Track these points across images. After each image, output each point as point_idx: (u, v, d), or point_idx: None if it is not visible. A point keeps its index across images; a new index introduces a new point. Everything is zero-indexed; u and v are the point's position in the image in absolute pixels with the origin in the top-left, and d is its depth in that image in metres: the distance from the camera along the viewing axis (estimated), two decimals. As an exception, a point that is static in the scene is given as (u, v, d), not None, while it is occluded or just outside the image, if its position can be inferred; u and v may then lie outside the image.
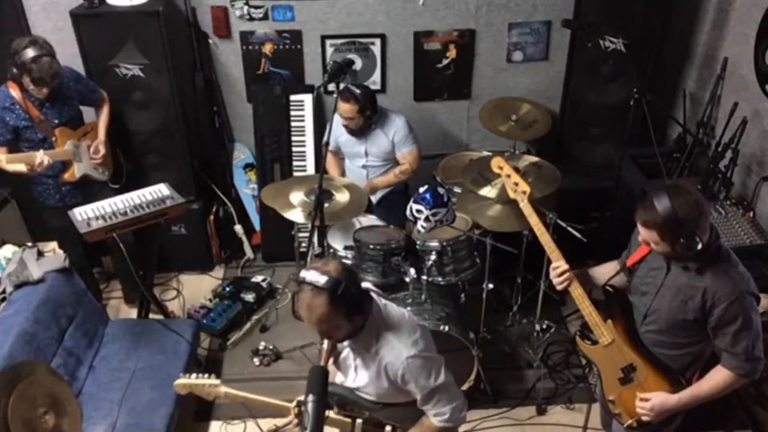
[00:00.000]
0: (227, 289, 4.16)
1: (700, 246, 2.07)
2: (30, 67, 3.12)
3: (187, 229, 4.26)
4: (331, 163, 4.02)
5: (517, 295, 3.92)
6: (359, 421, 2.30)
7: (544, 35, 4.22)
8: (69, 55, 3.67)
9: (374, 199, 3.98)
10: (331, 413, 2.30)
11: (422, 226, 3.16)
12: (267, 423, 3.37)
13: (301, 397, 2.24)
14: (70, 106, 3.46)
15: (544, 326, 3.87)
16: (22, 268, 3.18)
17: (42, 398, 2.65)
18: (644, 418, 2.36)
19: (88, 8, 3.67)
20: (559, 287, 2.44)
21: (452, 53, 4.25)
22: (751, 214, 3.28)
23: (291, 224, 4.02)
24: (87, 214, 3.15)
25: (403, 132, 3.80)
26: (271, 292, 4.22)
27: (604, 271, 2.48)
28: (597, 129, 4.17)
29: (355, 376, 2.27)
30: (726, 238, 3.09)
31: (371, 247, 3.34)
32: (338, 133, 3.85)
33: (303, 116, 4.23)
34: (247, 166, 4.53)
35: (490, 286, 3.46)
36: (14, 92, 3.29)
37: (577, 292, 2.40)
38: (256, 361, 3.74)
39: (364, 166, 3.92)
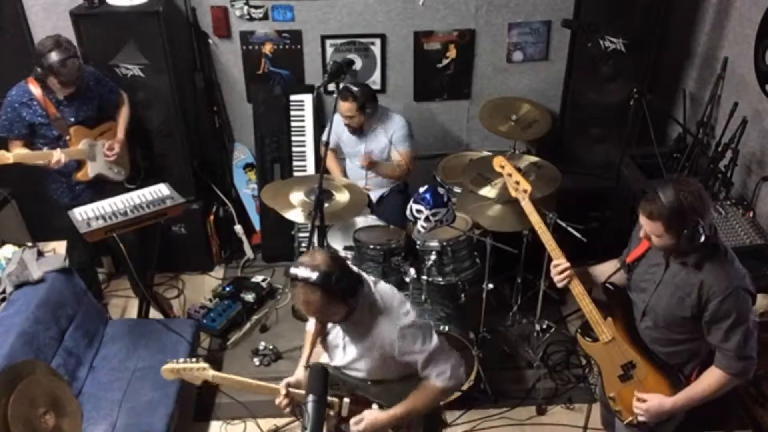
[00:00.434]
0: (227, 289, 4.16)
1: (703, 238, 2.08)
2: (58, 71, 3.15)
3: (187, 229, 4.26)
4: (331, 162, 4.02)
5: (517, 295, 3.92)
6: (346, 400, 2.32)
7: (544, 35, 4.22)
8: (69, 55, 3.67)
9: (374, 197, 3.98)
10: None
11: (422, 226, 3.16)
12: (267, 423, 3.38)
13: (290, 379, 2.33)
14: (87, 106, 3.46)
15: (544, 326, 3.87)
16: (22, 268, 3.18)
17: (42, 398, 2.65)
18: (640, 418, 2.36)
19: (88, 8, 3.67)
20: (559, 285, 2.44)
21: (452, 53, 4.25)
22: (751, 214, 3.28)
23: (291, 224, 4.03)
24: (87, 214, 3.15)
25: (401, 131, 3.80)
26: (271, 292, 4.22)
27: (605, 269, 2.49)
28: (597, 129, 4.17)
29: (343, 354, 2.30)
30: (726, 238, 3.10)
31: (371, 247, 3.34)
32: (339, 132, 3.85)
33: (303, 116, 4.23)
34: (247, 166, 4.53)
35: (490, 286, 3.46)
36: (34, 88, 3.30)
37: (577, 289, 2.41)
38: (256, 361, 3.74)
39: (363, 166, 3.92)
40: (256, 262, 4.55)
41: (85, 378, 3.12)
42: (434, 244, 3.32)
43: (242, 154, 4.52)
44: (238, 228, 4.49)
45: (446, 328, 3.16)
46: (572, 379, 3.62)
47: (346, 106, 3.65)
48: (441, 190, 3.19)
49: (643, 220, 2.17)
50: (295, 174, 4.24)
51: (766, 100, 3.39)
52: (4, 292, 3.13)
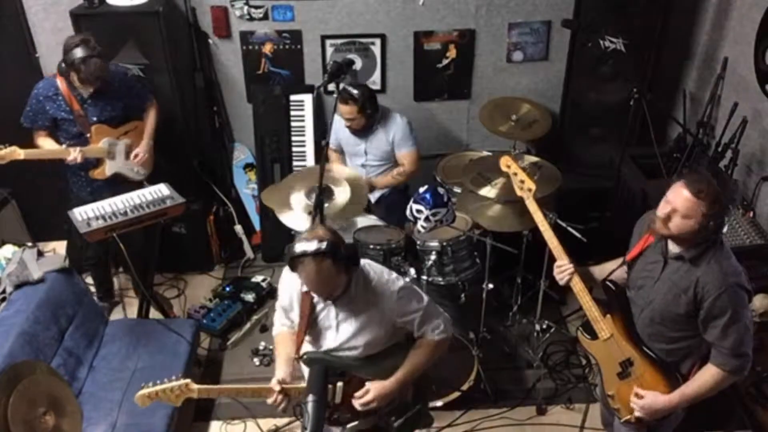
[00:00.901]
0: (227, 289, 4.16)
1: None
2: (78, 67, 3.18)
3: (187, 229, 4.26)
4: (335, 161, 4.02)
5: (517, 295, 3.92)
6: (339, 384, 2.34)
7: (544, 35, 4.22)
8: (69, 55, 3.67)
9: (373, 198, 3.97)
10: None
11: (422, 226, 3.16)
12: (267, 423, 3.38)
13: (278, 376, 2.32)
14: (112, 107, 3.46)
15: (544, 326, 3.87)
16: (22, 268, 3.18)
17: (42, 398, 2.65)
18: (636, 414, 2.37)
19: (88, 8, 3.68)
20: (561, 282, 2.45)
21: (452, 53, 4.25)
22: (751, 214, 3.29)
23: (291, 224, 4.03)
24: (87, 214, 3.15)
25: (402, 132, 3.80)
26: (271, 292, 4.21)
27: (609, 267, 2.50)
28: (597, 129, 4.17)
29: (335, 334, 2.32)
30: (726, 238, 3.09)
31: (371, 247, 3.34)
32: (340, 132, 3.85)
33: (303, 116, 4.23)
34: (247, 166, 4.53)
35: (490, 286, 3.46)
36: (60, 83, 3.34)
37: (578, 286, 2.41)
38: (256, 361, 3.74)
39: (363, 165, 3.92)
40: (256, 262, 4.55)
41: (85, 378, 3.12)
42: (434, 244, 3.32)
43: (242, 154, 4.52)
44: (238, 228, 4.49)
45: (446, 328, 3.16)
46: (572, 379, 3.62)
47: (346, 109, 3.65)
48: (441, 190, 3.19)
49: (681, 197, 2.09)
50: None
51: (766, 100, 3.39)
52: (4, 292, 3.13)
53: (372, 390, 2.31)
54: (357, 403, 2.33)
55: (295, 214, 3.35)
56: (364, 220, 3.71)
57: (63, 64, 3.27)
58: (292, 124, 4.23)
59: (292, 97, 4.22)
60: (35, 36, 3.97)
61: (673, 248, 2.24)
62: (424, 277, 3.32)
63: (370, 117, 3.72)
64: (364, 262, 2.33)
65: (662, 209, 2.16)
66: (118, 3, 3.70)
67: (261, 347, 3.75)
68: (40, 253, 3.34)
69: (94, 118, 3.42)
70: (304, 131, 4.24)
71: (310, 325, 2.32)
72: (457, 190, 3.75)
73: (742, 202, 3.42)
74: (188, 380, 2.29)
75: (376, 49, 4.20)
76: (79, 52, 3.16)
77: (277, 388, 2.30)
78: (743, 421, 2.91)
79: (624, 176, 3.79)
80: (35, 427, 2.58)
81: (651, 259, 2.33)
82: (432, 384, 2.65)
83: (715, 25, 3.89)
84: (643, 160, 3.80)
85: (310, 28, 4.13)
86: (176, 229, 4.23)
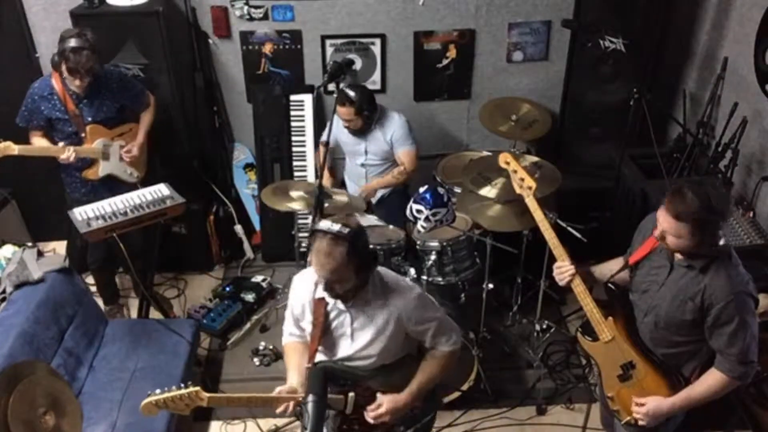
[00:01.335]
0: (227, 289, 4.16)
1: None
2: (68, 56, 3.16)
3: (187, 229, 4.26)
4: (322, 155, 4.01)
5: (517, 295, 3.92)
6: (351, 395, 2.31)
7: (544, 35, 4.22)
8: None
9: (373, 199, 3.97)
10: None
11: (422, 226, 3.16)
12: (267, 423, 3.38)
13: (293, 385, 2.27)
14: (108, 107, 3.45)
15: (544, 326, 3.87)
16: (22, 268, 3.18)
17: (42, 398, 2.65)
18: (640, 423, 2.36)
19: (88, 8, 3.68)
20: (561, 283, 2.44)
21: (452, 53, 4.25)
22: (751, 214, 3.29)
23: (291, 224, 4.03)
24: (87, 214, 3.15)
25: (401, 131, 3.79)
26: (271, 292, 4.22)
27: (609, 267, 2.49)
28: (597, 129, 4.17)
29: (350, 342, 2.28)
30: (726, 238, 3.09)
31: (371, 247, 3.33)
32: (340, 132, 3.85)
33: (303, 116, 4.23)
34: (247, 166, 4.53)
35: (490, 286, 3.46)
36: (55, 83, 3.32)
37: (579, 288, 2.40)
38: (256, 361, 3.74)
39: (363, 165, 3.92)
40: (256, 262, 4.55)
41: (85, 378, 3.12)
42: (434, 244, 3.32)
43: (242, 154, 4.52)
44: (238, 228, 4.49)
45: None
46: (572, 379, 3.62)
47: (343, 111, 3.64)
48: (441, 190, 3.19)
49: (666, 219, 2.10)
50: (296, 174, 4.25)
51: (766, 100, 3.39)
52: (4, 292, 3.13)
53: (385, 403, 2.27)
54: (369, 416, 2.29)
55: (297, 203, 3.37)
56: (364, 220, 3.71)
57: (56, 57, 3.24)
58: (292, 124, 4.23)
59: (292, 97, 4.22)
60: (35, 36, 3.97)
61: (680, 256, 2.22)
62: (424, 277, 3.32)
63: (368, 118, 3.72)
64: (381, 268, 2.30)
65: (657, 228, 2.17)
66: (118, 3, 3.70)
67: (261, 347, 3.75)
68: (40, 253, 3.34)
69: (90, 118, 3.40)
70: (304, 131, 4.24)
71: (323, 333, 2.27)
72: (457, 190, 3.75)
73: (741, 202, 3.43)
74: (198, 388, 2.15)
75: (376, 49, 4.20)
76: (72, 42, 3.15)
77: (287, 401, 2.21)
78: (743, 421, 2.91)
79: (624, 176, 3.79)
80: (35, 427, 2.58)
81: (657, 263, 2.31)
82: (440, 394, 2.62)
83: (715, 25, 3.89)
84: (643, 160, 3.80)
85: (310, 28, 4.13)
86: (176, 229, 4.23)
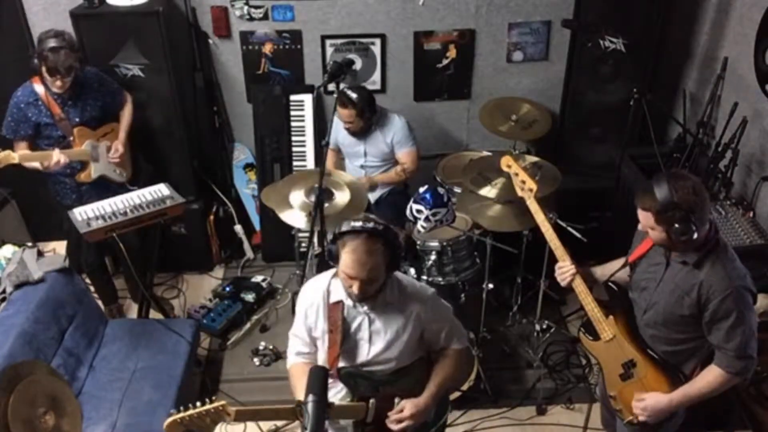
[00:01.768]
0: (227, 289, 4.16)
1: (695, 235, 2.07)
2: (46, 55, 3.14)
3: (187, 229, 4.26)
4: (332, 161, 4.02)
5: (517, 295, 3.93)
6: (372, 401, 2.26)
7: (544, 35, 4.22)
8: (69, 55, 3.67)
9: (373, 198, 3.98)
10: (344, 402, 2.26)
11: (422, 226, 3.16)
12: (267, 423, 3.37)
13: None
14: (92, 107, 3.45)
15: (544, 326, 3.87)
16: (22, 268, 3.18)
17: (42, 398, 2.65)
18: (640, 418, 2.36)
19: (88, 8, 3.67)
20: (563, 284, 2.45)
21: (452, 53, 4.25)
22: (751, 214, 3.29)
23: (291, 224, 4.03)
24: (87, 214, 3.15)
25: (402, 133, 3.80)
26: (271, 292, 4.22)
27: (611, 268, 2.49)
28: (597, 129, 4.17)
29: (369, 346, 2.24)
30: (726, 238, 3.08)
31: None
32: (339, 132, 3.85)
33: (303, 116, 4.24)
34: (247, 166, 4.53)
35: (490, 286, 3.46)
36: (38, 88, 3.31)
37: (580, 288, 2.41)
38: (256, 361, 3.74)
39: (362, 166, 3.92)
40: (256, 262, 4.55)
41: (85, 378, 3.12)
42: (434, 244, 3.32)
43: (242, 154, 4.52)
44: (238, 228, 4.49)
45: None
46: (572, 379, 3.62)
47: (344, 112, 3.65)
48: (441, 190, 3.19)
49: (638, 212, 2.19)
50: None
51: (766, 100, 3.39)
52: (4, 292, 3.13)
53: (408, 407, 2.23)
54: (393, 421, 2.24)
55: (295, 212, 3.35)
56: (364, 220, 3.70)
57: (35, 60, 3.21)
58: (292, 124, 4.23)
59: (292, 97, 4.22)
60: (35, 36, 3.95)
61: (675, 252, 2.24)
62: (424, 277, 3.33)
63: (368, 120, 3.73)
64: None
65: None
66: (118, 3, 3.70)
67: (261, 347, 3.75)
68: (40, 253, 3.34)
69: (77, 119, 3.40)
70: (304, 131, 4.24)
71: (344, 338, 2.22)
72: (457, 190, 3.76)
73: (741, 202, 3.43)
74: (224, 402, 1.96)
75: (376, 49, 4.20)
76: (50, 42, 3.14)
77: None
78: (743, 421, 2.91)
79: (624, 176, 3.79)
80: (35, 427, 2.58)
81: (654, 260, 2.32)
82: (449, 398, 2.60)
83: (715, 25, 3.89)
84: (643, 160, 3.80)
85: (310, 28, 4.13)
86: (176, 229, 4.23)
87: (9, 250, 3.40)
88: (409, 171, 3.87)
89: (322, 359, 2.31)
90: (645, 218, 2.16)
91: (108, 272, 4.10)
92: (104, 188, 3.56)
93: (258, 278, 4.27)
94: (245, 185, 4.56)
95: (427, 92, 4.38)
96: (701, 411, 2.38)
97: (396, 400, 2.27)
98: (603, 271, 2.50)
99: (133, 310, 4.07)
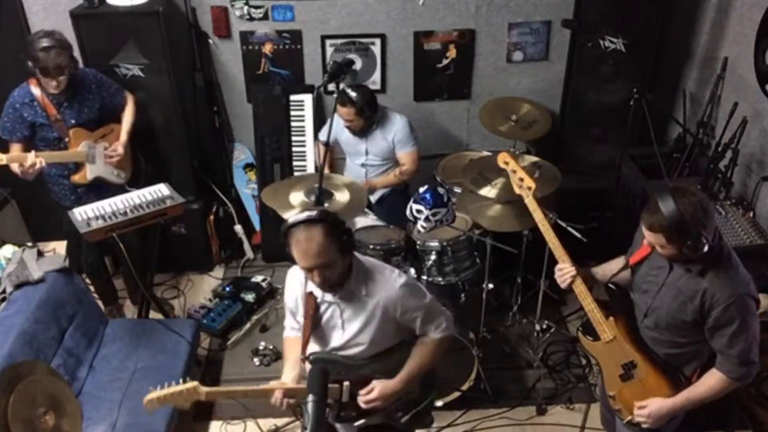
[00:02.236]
0: (227, 289, 4.16)
1: (706, 248, 2.06)
2: (38, 56, 3.13)
3: (187, 229, 4.26)
4: (322, 155, 4.00)
5: (517, 295, 3.92)
6: (346, 383, 2.33)
7: (544, 35, 4.22)
8: (69, 55, 3.67)
9: (373, 198, 3.98)
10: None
11: (422, 226, 3.16)
12: (267, 423, 3.38)
13: (286, 380, 2.33)
14: (89, 108, 3.44)
15: (544, 326, 3.87)
16: (22, 268, 3.18)
17: (42, 398, 2.65)
18: (644, 426, 2.36)
19: (88, 8, 3.67)
20: (563, 286, 2.44)
21: (452, 53, 4.25)
22: (751, 214, 3.29)
23: (291, 224, 4.02)
24: (87, 214, 3.15)
25: (403, 133, 3.80)
26: (271, 292, 4.22)
27: (612, 267, 2.48)
28: (597, 129, 4.17)
29: (342, 332, 2.31)
30: (726, 238, 3.09)
31: (371, 247, 3.34)
32: (340, 132, 3.85)
33: (303, 116, 4.23)
34: (247, 166, 4.53)
35: (490, 286, 3.46)
36: (35, 89, 3.30)
37: (580, 288, 2.41)
38: (256, 361, 3.74)
39: (363, 165, 3.93)
40: (256, 262, 4.55)
41: (85, 378, 3.13)
42: (434, 244, 3.32)
43: (242, 154, 4.52)
44: (238, 228, 4.50)
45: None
46: (572, 379, 3.62)
47: (345, 111, 3.65)
48: (441, 190, 3.19)
49: (645, 231, 2.15)
50: (296, 174, 4.24)
51: (766, 100, 3.39)
52: (4, 292, 3.13)
53: (376, 389, 2.30)
54: (361, 401, 2.32)
55: (295, 212, 3.34)
56: (364, 220, 3.71)
57: (29, 62, 3.18)
58: (292, 124, 4.23)
59: (292, 97, 4.22)
60: (35, 36, 3.97)
61: None
62: (424, 277, 3.33)
63: (369, 118, 3.73)
64: (365, 258, 2.33)
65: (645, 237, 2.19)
66: (118, 3, 3.70)
67: (261, 347, 3.75)
68: (40, 253, 3.34)
69: (72, 121, 3.38)
70: (304, 131, 4.24)
71: (315, 326, 2.30)
72: (457, 190, 3.75)
73: (741, 202, 3.42)
74: (196, 383, 2.23)
75: (376, 49, 4.20)
76: (42, 42, 3.13)
77: (279, 394, 2.29)
78: (743, 421, 2.92)
79: (624, 176, 3.79)
80: (35, 427, 2.58)
81: (656, 264, 2.30)
82: (437, 379, 2.63)
83: (715, 25, 3.89)
84: (643, 160, 3.80)
85: (310, 28, 4.13)
86: (176, 229, 4.23)
87: (9, 250, 3.40)
88: (409, 172, 3.87)
89: None
90: (655, 239, 2.12)
91: (108, 272, 4.10)
92: (103, 190, 3.55)
93: (258, 278, 4.27)
94: (245, 185, 4.56)
95: (427, 92, 4.38)
96: (701, 412, 2.38)
97: (374, 382, 2.33)
98: (603, 272, 2.49)
99: (132, 311, 4.07)
